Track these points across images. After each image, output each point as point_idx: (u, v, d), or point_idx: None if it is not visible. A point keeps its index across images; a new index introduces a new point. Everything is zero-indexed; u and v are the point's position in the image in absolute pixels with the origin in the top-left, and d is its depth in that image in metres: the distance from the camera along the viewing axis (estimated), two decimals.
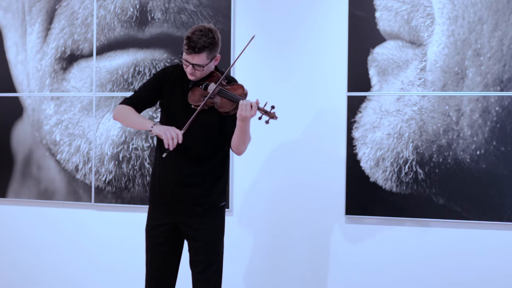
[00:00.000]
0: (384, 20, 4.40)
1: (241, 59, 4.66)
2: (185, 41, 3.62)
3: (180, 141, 3.55)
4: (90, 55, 5.00)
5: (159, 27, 4.81)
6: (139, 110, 3.82)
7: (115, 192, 4.93)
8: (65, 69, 5.07)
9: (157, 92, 3.79)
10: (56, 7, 5.09)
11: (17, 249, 5.23)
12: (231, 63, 4.65)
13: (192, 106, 3.66)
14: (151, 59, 4.84)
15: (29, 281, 5.19)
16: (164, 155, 3.60)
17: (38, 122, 5.14)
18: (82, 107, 5.03)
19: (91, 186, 5.00)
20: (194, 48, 3.59)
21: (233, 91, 3.62)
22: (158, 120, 3.92)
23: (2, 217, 5.27)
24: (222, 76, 3.66)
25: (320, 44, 4.55)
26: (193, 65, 3.62)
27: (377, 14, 4.41)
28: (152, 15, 4.84)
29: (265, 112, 3.54)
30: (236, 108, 3.58)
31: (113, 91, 4.92)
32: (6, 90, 5.22)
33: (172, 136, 3.54)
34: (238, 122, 3.57)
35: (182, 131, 3.57)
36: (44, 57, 5.12)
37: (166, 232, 3.78)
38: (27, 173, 5.17)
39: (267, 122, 3.57)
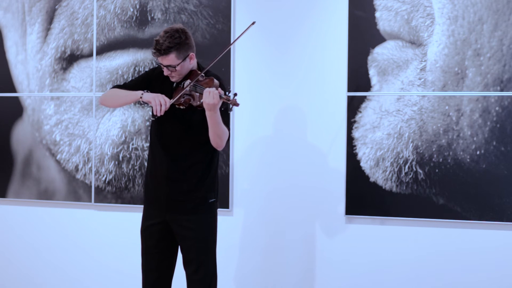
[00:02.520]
0: (384, 20, 4.40)
1: (241, 60, 4.67)
2: (153, 45, 3.68)
3: (167, 109, 3.61)
4: (90, 55, 5.00)
5: (159, 27, 4.81)
6: None
7: (115, 192, 4.93)
8: (65, 69, 5.07)
9: (144, 89, 3.83)
10: (56, 7, 5.09)
11: (17, 249, 5.23)
12: (231, 63, 4.66)
13: (176, 105, 3.69)
14: (151, 59, 4.84)
15: (29, 281, 5.18)
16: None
17: (38, 122, 5.14)
18: (82, 107, 5.03)
19: (91, 186, 4.99)
20: (160, 51, 3.64)
21: (205, 84, 3.64)
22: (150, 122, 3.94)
23: (2, 217, 5.27)
24: (201, 73, 3.68)
25: (320, 44, 4.55)
26: (166, 67, 3.67)
27: (377, 14, 4.41)
28: (152, 15, 4.84)
29: (227, 99, 3.55)
30: None
31: None
32: (6, 90, 5.22)
33: (160, 102, 3.60)
34: (206, 112, 3.58)
35: (171, 101, 3.63)
36: (44, 57, 5.12)
37: (158, 232, 3.80)
38: (27, 173, 5.17)
39: (230, 109, 3.60)
